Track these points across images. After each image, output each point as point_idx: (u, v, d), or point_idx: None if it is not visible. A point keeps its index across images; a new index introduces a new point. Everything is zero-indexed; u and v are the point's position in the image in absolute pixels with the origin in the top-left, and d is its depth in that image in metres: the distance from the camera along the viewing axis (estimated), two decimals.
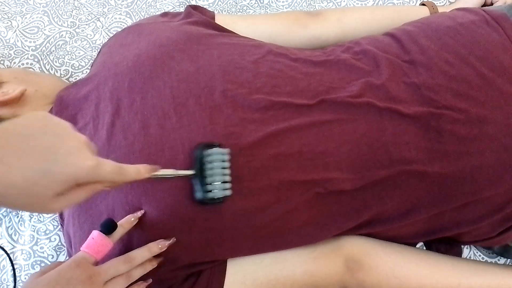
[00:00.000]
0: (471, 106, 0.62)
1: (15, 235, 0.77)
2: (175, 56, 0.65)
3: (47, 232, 0.77)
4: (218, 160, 0.56)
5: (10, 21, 0.93)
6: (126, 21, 0.96)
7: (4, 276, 0.75)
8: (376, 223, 0.65)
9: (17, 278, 0.74)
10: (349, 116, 0.62)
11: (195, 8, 0.78)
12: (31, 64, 0.90)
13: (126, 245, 0.58)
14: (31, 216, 0.78)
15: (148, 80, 0.63)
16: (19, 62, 0.89)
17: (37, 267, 0.75)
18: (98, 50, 0.81)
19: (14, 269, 0.74)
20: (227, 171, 0.57)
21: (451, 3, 0.92)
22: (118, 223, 0.56)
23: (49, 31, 0.93)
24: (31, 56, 0.90)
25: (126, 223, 0.56)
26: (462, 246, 0.78)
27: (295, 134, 0.61)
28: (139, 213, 0.58)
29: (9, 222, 0.78)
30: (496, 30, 0.67)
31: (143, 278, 0.57)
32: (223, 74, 0.63)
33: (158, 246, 0.57)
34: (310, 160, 0.60)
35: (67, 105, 0.67)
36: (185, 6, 0.80)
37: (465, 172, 0.61)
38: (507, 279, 0.66)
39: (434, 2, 0.87)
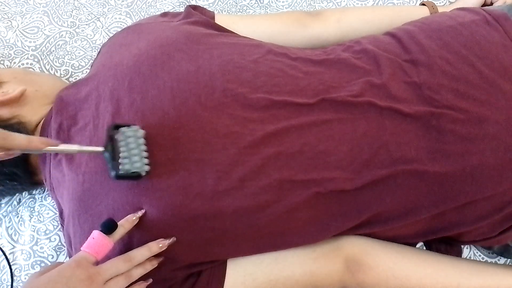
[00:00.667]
0: (471, 106, 0.62)
1: (15, 235, 0.77)
2: (175, 56, 0.65)
3: (47, 232, 0.77)
4: (131, 138, 0.57)
5: (10, 21, 0.94)
6: (126, 21, 0.96)
7: (4, 276, 0.75)
8: (376, 222, 0.65)
9: (17, 278, 0.74)
10: (350, 116, 0.62)
11: (195, 8, 0.78)
12: (31, 64, 0.90)
13: (127, 245, 0.59)
14: (31, 216, 0.78)
15: (148, 80, 0.63)
16: (19, 62, 0.89)
17: (37, 267, 0.75)
18: (98, 50, 0.81)
19: (11, 268, 0.74)
20: (143, 148, 0.57)
21: (451, 3, 0.92)
22: (118, 223, 0.56)
23: (49, 31, 0.93)
24: (31, 56, 0.90)
25: (126, 223, 0.56)
26: (462, 246, 0.78)
27: (296, 133, 0.61)
28: (139, 213, 0.58)
29: (9, 222, 0.78)
30: (496, 29, 0.67)
31: (143, 278, 0.57)
32: (223, 74, 0.63)
33: (158, 245, 0.57)
34: (311, 160, 0.60)
35: (67, 105, 0.67)
36: (185, 6, 0.80)
37: (465, 171, 0.61)
38: (506, 279, 0.66)
39: (434, 2, 0.87)
